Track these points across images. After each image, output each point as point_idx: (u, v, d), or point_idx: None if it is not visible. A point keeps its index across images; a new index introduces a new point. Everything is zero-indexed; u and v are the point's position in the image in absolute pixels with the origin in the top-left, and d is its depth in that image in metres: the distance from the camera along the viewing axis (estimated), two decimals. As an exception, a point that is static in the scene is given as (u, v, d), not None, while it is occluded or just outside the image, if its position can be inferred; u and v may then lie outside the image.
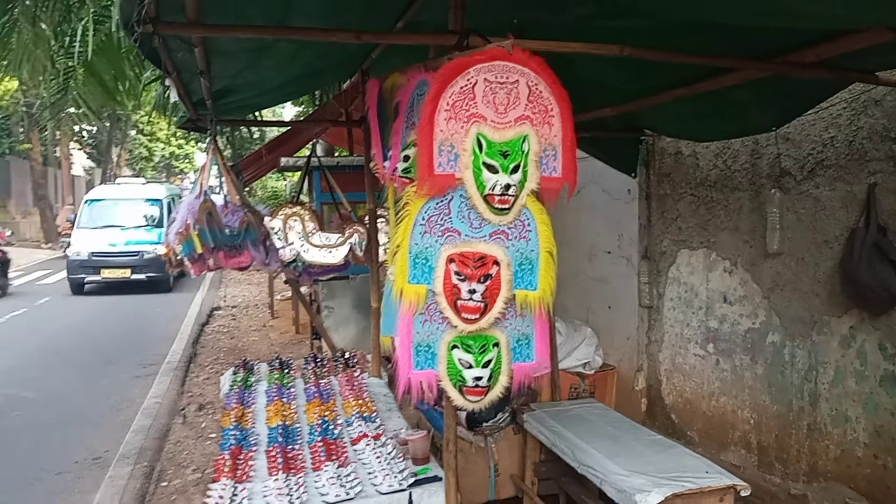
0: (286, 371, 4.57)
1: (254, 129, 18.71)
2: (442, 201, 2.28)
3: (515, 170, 2.24)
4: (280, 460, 3.10)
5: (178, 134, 36.61)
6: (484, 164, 2.21)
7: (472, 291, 2.28)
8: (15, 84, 19.43)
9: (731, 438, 4.47)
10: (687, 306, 4.84)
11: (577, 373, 4.46)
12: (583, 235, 5.90)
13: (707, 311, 4.65)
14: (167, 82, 3.40)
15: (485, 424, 4.00)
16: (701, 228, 4.68)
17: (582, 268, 5.91)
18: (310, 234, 4.56)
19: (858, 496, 3.62)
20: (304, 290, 7.90)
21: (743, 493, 2.88)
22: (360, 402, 3.88)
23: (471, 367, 2.35)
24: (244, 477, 2.99)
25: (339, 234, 4.70)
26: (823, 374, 3.80)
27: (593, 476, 3.05)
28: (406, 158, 2.68)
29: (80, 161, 35.44)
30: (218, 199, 4.51)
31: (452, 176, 2.24)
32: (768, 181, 4.06)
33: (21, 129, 26.32)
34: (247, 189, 16.10)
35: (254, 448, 3.32)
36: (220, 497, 2.75)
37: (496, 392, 2.43)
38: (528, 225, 2.34)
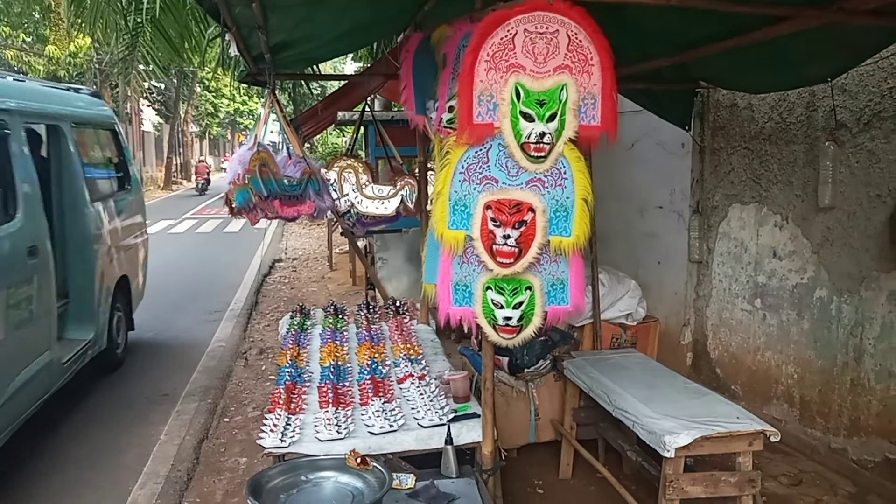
0: (340, 316, 4.80)
1: (314, 85, 18.95)
2: (481, 150, 2.39)
3: (552, 118, 2.31)
4: (330, 395, 3.32)
5: (241, 90, 37.33)
6: (521, 112, 2.29)
7: (507, 237, 2.39)
8: (88, 41, 20.15)
9: (774, 392, 4.49)
10: (736, 261, 4.82)
11: (620, 324, 4.52)
12: (635, 190, 5.89)
13: (756, 266, 4.63)
14: (227, 37, 3.55)
15: (526, 371, 4.13)
16: (753, 182, 4.63)
17: (632, 223, 5.92)
18: (363, 186, 4.72)
19: (900, 451, 3.63)
20: (360, 243, 8.14)
21: (773, 439, 2.93)
22: (408, 346, 4.07)
23: (502, 307, 2.48)
24: (297, 409, 3.22)
25: (391, 187, 4.84)
26: (869, 330, 3.78)
27: (626, 419, 3.16)
28: (451, 109, 2.77)
29: (149, 117, 36.63)
30: (282, 152, 4.69)
31: (491, 125, 2.33)
32: (823, 134, 3.98)
33: (94, 86, 27.36)
34: (307, 145, 16.42)
35: (307, 384, 3.55)
36: (275, 425, 2.99)
37: (528, 331, 2.56)
38: (565, 173, 2.42)
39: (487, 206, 2.37)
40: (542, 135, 2.30)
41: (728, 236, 4.90)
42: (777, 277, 4.47)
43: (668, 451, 2.80)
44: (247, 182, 3.71)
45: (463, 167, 2.37)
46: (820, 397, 4.14)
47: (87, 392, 5.76)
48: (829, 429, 4.09)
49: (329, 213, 4.90)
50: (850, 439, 3.94)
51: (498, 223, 2.37)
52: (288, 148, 4.64)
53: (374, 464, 2.54)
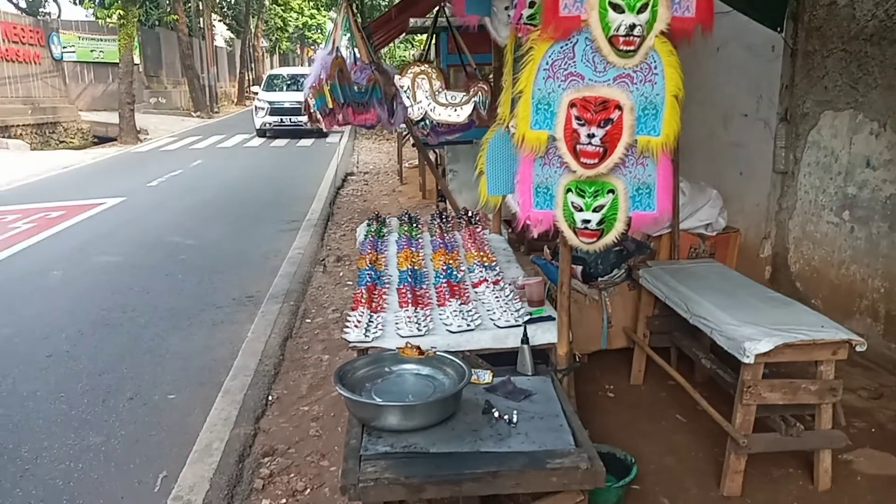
0: (414, 225, 4.88)
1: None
2: (566, 45, 2.32)
3: (643, 9, 2.21)
4: (410, 296, 3.43)
5: (311, 3, 36.96)
6: (610, 3, 2.20)
7: (592, 136, 2.34)
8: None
9: (857, 307, 4.37)
10: (825, 172, 4.60)
11: (699, 234, 4.43)
12: (719, 97, 5.63)
13: (846, 176, 4.41)
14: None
15: (600, 279, 4.14)
16: (850, 87, 4.35)
17: (715, 132, 5.69)
18: (437, 93, 4.67)
19: None
20: (430, 155, 8.14)
21: (858, 349, 2.87)
22: (482, 253, 4.12)
23: (581, 210, 2.45)
24: (378, 308, 3.35)
25: (464, 93, 4.77)
26: (970, 243, 3.59)
27: (704, 326, 3.14)
28: (531, 4, 2.67)
29: (221, 32, 36.89)
30: (349, 58, 4.68)
31: (578, 18, 2.25)
32: (934, 32, 3.68)
33: (168, 1, 27.58)
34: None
35: (386, 286, 3.67)
36: (358, 321, 3.12)
37: (610, 237, 2.52)
38: (655, 68, 2.33)
39: (572, 105, 2.32)
40: (633, 27, 2.21)
41: (818, 145, 4.66)
42: (869, 188, 4.25)
43: (748, 357, 2.79)
44: (327, 87, 3.73)
45: (547, 63, 2.31)
46: (908, 312, 4.01)
47: (178, 292, 6.13)
48: (915, 344, 3.98)
49: (399, 123, 4.89)
50: (938, 355, 3.83)
51: (583, 122, 2.32)
52: (355, 54, 4.61)
53: (434, 353, 2.65)
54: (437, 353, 2.71)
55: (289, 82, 20.98)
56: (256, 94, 21.56)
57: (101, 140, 19.98)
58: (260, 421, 3.89)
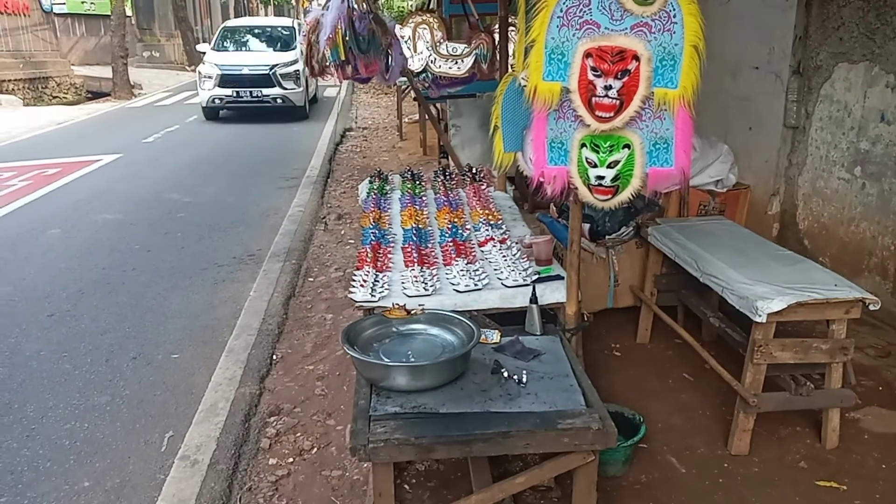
0: (418, 182, 4.79)
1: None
2: (582, -9, 2.21)
3: (663, -46, 2.10)
4: (415, 255, 3.37)
5: (304, -48, 35.97)
6: (628, -52, 2.09)
7: (608, 88, 2.25)
8: None
9: (866, 265, 4.32)
10: (837, 126, 4.50)
11: (709, 190, 4.35)
12: (729, 49, 5.47)
13: (860, 131, 4.31)
14: None
15: (608, 237, 4.08)
16: (866, 38, 4.21)
17: (724, 85, 5.55)
18: (438, 44, 4.54)
19: None
20: (432, 109, 7.99)
21: (871, 308, 2.84)
22: (487, 211, 4.05)
23: (595, 165, 2.37)
24: (384, 267, 3.29)
25: (466, 45, 4.64)
26: None
27: (715, 284, 3.10)
28: (545, -51, 2.56)
29: (213, -17, 36.02)
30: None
31: (594, -37, 2.14)
32: (958, -20, 3.54)
33: (158, -50, 26.84)
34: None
35: (391, 245, 3.61)
36: (364, 281, 3.07)
37: (626, 194, 2.45)
38: (675, 17, 2.22)
39: (587, 55, 2.22)
40: (653, -27, 2.10)
41: (830, 99, 4.55)
42: (883, 143, 4.16)
43: (760, 315, 2.75)
44: (345, 38, 3.59)
45: (561, 10, 2.21)
46: (918, 269, 3.96)
47: (178, 250, 6.07)
48: (924, 302, 3.94)
49: (397, 78, 4.75)
50: (948, 312, 3.80)
51: (599, 73, 2.23)
52: (351, 2, 4.45)
53: (423, 311, 2.60)
54: (430, 311, 2.67)
55: (248, 39, 15.46)
56: (204, 54, 14.98)
57: (95, 95, 19.66)
58: (265, 380, 3.87)
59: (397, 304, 2.68)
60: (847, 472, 2.90)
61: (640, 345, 4.05)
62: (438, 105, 8.60)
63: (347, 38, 3.66)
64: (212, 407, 3.58)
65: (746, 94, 5.32)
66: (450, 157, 6.96)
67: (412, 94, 7.93)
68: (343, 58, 3.73)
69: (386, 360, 2.47)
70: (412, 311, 2.65)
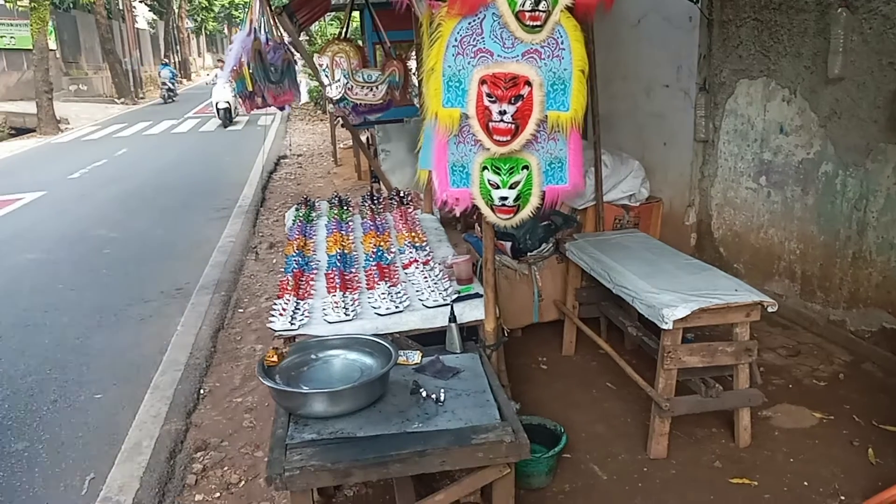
0: (345, 207, 4.81)
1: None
2: (474, 21, 2.30)
3: (546, -15, 2.21)
4: (338, 281, 3.39)
5: (234, -19, 35.80)
6: (514, -21, 2.19)
7: (503, 113, 2.34)
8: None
9: (776, 269, 4.55)
10: (742, 139, 4.74)
11: (623, 205, 4.52)
12: (641, 69, 5.72)
13: (762, 143, 4.56)
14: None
15: (529, 254, 4.18)
16: (762, 55, 4.48)
17: (639, 103, 5.79)
18: (354, 72, 4.59)
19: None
20: (362, 136, 8.03)
21: (770, 310, 2.99)
22: (413, 233, 4.10)
23: (498, 187, 2.46)
24: (305, 295, 3.30)
25: (380, 72, 4.71)
26: (873, 203, 3.77)
27: (626, 295, 3.22)
28: (441, -20, 2.66)
29: (142, 13, 35.41)
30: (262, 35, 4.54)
31: (483, -7, 2.23)
32: (835, 0, 3.81)
33: (81, -19, 26.27)
34: (305, 36, 15.86)
35: (314, 272, 3.61)
36: (284, 310, 3.07)
37: (526, 212, 2.55)
38: (562, 43, 2.34)
39: (483, 81, 2.31)
40: (538, 2, 2.21)
41: (735, 113, 4.80)
42: (783, 153, 4.41)
43: (667, 323, 2.87)
44: (248, 70, 3.63)
45: (456, 40, 2.30)
46: (821, 271, 4.19)
47: (103, 287, 5.92)
48: (828, 302, 4.17)
49: (330, 105, 4.80)
50: (849, 311, 4.02)
51: (494, 99, 2.32)
52: (266, 34, 4.49)
53: (283, 354, 2.62)
54: (348, 336, 2.74)
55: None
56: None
57: (19, 132, 18.99)
58: (192, 415, 3.81)
59: (276, 348, 2.67)
60: (758, 468, 3.03)
61: (566, 357, 4.15)
62: (368, 130, 8.66)
63: (252, 71, 3.67)
64: (135, 446, 3.50)
65: (659, 111, 5.56)
66: (381, 181, 7.01)
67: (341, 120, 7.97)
68: (250, 89, 3.76)
69: (303, 387, 2.48)
70: (279, 353, 2.64)
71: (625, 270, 3.33)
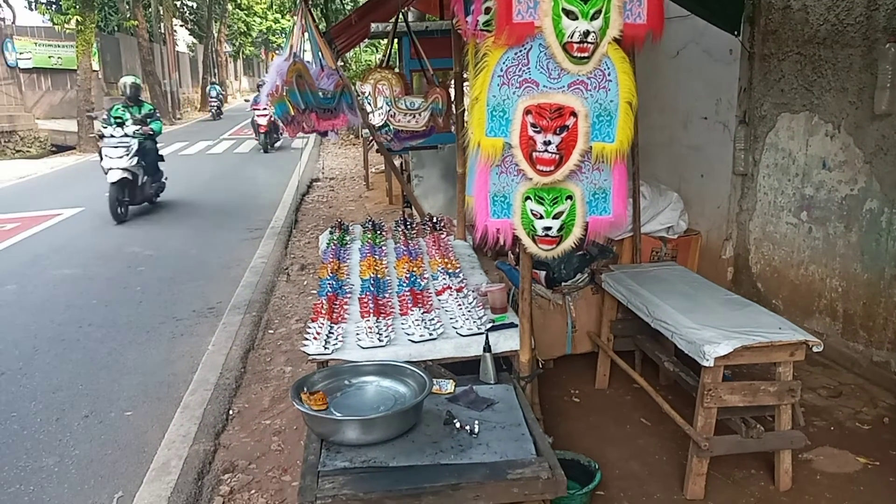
0: (378, 232, 4.82)
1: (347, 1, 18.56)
2: (520, 51, 2.30)
3: (596, 16, 2.20)
4: (371, 306, 3.38)
5: (273, 7, 36.63)
6: (563, 10, 2.19)
7: (548, 143, 2.32)
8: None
9: (816, 307, 4.43)
10: (783, 173, 4.66)
11: (660, 237, 4.46)
12: (680, 101, 5.68)
13: (804, 177, 4.48)
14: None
15: (564, 284, 4.13)
16: (805, 90, 4.41)
17: (676, 135, 5.74)
18: (396, 99, 4.64)
19: (945, 364, 3.57)
20: (396, 161, 8.09)
21: (815, 349, 2.90)
22: (446, 260, 4.09)
23: (541, 217, 2.43)
24: (339, 319, 3.29)
25: (423, 99, 4.75)
26: (921, 242, 3.66)
27: (665, 329, 3.15)
28: (487, 10, 2.66)
29: (183, 37, 36.37)
30: (314, 65, 4.62)
31: (531, 24, 2.23)
32: (883, 35, 3.75)
33: (127, 6, 27.10)
34: (341, 62, 16.14)
35: (348, 296, 3.61)
36: (318, 333, 3.06)
37: (569, 242, 2.52)
38: (609, 75, 2.32)
39: (527, 111, 2.30)
40: (586, 34, 2.20)
41: (775, 147, 4.73)
42: (825, 189, 4.32)
43: (708, 360, 2.80)
44: (285, 94, 3.67)
45: (501, 70, 2.29)
46: (864, 310, 4.07)
47: (137, 304, 5.99)
48: (871, 342, 4.04)
49: (365, 129, 4.86)
50: (894, 352, 3.89)
51: (538, 129, 2.30)
52: (321, 61, 4.58)
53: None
54: (383, 362, 2.73)
55: None
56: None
57: (60, 149, 19.54)
58: (220, 436, 3.80)
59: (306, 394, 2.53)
60: (800, 514, 2.92)
61: (599, 390, 4.07)
62: (402, 155, 8.72)
63: (289, 95, 3.71)
64: (164, 465, 3.49)
65: (697, 143, 5.50)
66: (413, 207, 7.04)
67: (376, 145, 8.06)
68: (292, 113, 3.80)
69: (336, 414, 2.46)
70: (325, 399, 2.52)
71: (664, 304, 3.26)
